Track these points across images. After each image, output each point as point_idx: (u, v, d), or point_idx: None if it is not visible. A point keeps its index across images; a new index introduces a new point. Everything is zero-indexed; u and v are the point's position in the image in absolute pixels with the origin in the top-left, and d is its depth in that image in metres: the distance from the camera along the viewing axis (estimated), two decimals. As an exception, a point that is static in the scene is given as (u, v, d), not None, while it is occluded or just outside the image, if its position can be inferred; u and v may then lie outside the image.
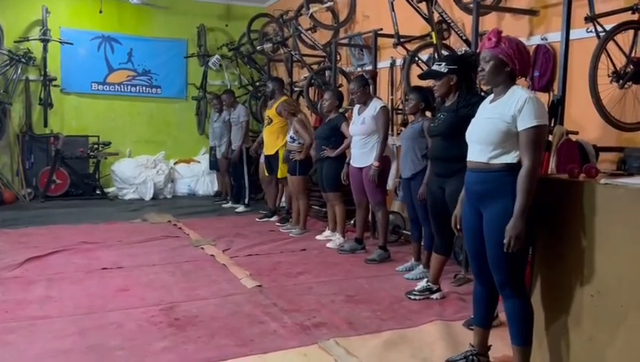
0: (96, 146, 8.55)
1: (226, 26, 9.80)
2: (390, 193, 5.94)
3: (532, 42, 4.54)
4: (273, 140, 6.40)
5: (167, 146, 9.29)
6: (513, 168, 2.40)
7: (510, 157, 2.42)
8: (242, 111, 7.55)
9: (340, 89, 6.17)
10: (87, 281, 4.15)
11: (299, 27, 7.29)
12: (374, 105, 4.84)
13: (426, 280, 3.94)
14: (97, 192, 8.44)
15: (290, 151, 5.94)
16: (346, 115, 5.82)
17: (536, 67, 4.46)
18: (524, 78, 4.56)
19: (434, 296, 3.83)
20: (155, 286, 4.05)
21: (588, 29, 3.77)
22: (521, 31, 4.66)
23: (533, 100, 2.36)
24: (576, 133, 3.67)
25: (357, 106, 5.01)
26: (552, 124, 3.72)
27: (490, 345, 2.79)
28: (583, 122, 3.90)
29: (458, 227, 2.81)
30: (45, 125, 8.38)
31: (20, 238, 5.52)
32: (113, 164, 8.66)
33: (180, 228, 6.20)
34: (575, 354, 2.40)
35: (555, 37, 4.21)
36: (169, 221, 6.60)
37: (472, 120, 2.62)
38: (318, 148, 5.56)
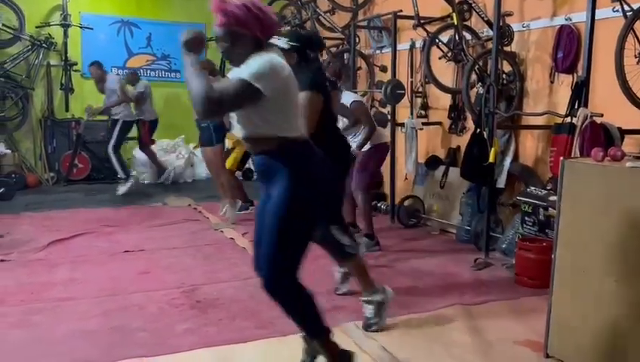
0: (117, 131, 8.62)
1: (244, 9, 9.75)
2: (410, 177, 5.91)
3: (556, 22, 4.44)
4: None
5: (186, 131, 9.32)
6: (278, 145, 2.17)
7: (268, 130, 2.16)
8: (114, 80, 7.47)
9: (358, 71, 6.11)
10: (109, 264, 4.22)
11: (317, 9, 7.23)
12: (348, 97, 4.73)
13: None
14: (118, 176, 8.53)
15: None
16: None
17: (559, 48, 4.37)
18: (550, 60, 4.50)
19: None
20: (175, 269, 4.10)
21: (614, 8, 3.68)
22: (544, 11, 4.56)
23: (261, 60, 2.08)
24: (601, 115, 3.59)
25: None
26: (576, 106, 3.66)
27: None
28: (608, 104, 3.81)
29: None
30: (67, 110, 8.46)
31: (44, 221, 5.62)
32: (134, 148, 8.74)
33: (199, 211, 6.25)
34: (598, 339, 2.37)
35: (579, 17, 4.11)
36: (189, 205, 6.66)
37: None
38: None
